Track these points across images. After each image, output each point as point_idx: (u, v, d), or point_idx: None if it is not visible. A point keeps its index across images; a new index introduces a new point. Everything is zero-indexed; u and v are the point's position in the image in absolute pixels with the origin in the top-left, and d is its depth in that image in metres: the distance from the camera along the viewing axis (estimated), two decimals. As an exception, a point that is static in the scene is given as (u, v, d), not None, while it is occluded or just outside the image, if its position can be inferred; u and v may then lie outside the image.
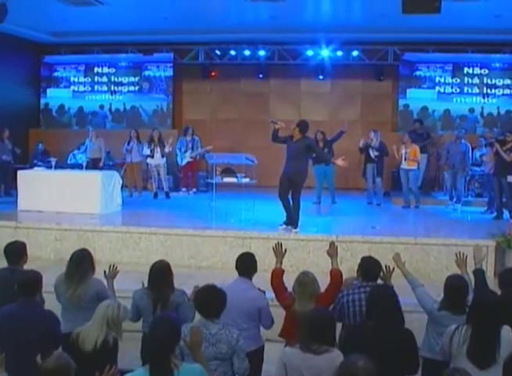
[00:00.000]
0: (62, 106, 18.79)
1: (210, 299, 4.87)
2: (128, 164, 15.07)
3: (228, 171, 12.99)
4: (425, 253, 9.41)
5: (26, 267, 6.26)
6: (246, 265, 5.93)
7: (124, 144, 15.10)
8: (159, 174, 14.91)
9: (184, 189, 15.73)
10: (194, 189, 15.72)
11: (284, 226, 10.30)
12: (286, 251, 6.28)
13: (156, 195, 14.88)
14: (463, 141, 13.66)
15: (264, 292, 5.93)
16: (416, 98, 17.01)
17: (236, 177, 11.28)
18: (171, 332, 4.20)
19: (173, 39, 16.89)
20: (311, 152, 10.51)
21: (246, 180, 11.29)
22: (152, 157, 14.84)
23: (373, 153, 13.75)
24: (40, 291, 5.34)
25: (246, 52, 16.93)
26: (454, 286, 5.29)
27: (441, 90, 16.96)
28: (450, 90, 16.96)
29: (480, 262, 5.94)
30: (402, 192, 13.67)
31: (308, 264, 9.34)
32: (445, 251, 9.29)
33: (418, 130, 15.34)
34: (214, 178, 11.24)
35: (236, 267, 5.94)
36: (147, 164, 15.14)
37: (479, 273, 5.78)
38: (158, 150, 14.76)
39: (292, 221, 10.21)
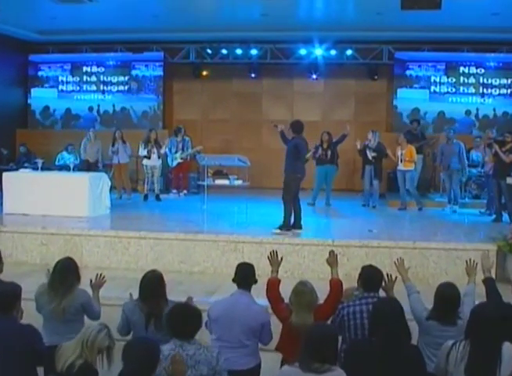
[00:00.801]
0: (46, 108, 18.46)
1: (186, 319, 4.48)
2: (116, 165, 14.70)
3: (220, 172, 12.74)
4: (424, 257, 9.13)
5: (9, 274, 5.99)
6: (246, 275, 5.56)
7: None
8: (153, 175, 14.57)
9: (174, 190, 15.43)
10: (185, 191, 15.45)
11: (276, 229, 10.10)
12: (282, 259, 5.93)
13: (146, 197, 14.55)
14: (455, 141, 13.37)
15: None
16: (407, 98, 16.82)
17: (229, 179, 10.99)
18: (148, 359, 3.88)
19: (163, 38, 16.66)
20: (298, 151, 10.20)
21: (239, 182, 11.04)
22: (148, 158, 14.48)
23: (370, 154, 13.48)
24: (18, 305, 4.95)
25: (238, 51, 16.75)
26: (445, 295, 5.00)
27: (436, 90, 16.77)
28: (445, 90, 16.76)
29: (488, 270, 5.63)
30: (400, 194, 13.44)
31: (304, 269, 9.15)
32: (445, 255, 9.06)
33: (414, 130, 15.13)
34: (206, 181, 10.94)
35: (235, 278, 5.59)
36: (143, 166, 14.78)
37: (490, 282, 5.46)
38: (155, 150, 14.44)
39: (282, 222, 10.10)
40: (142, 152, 14.50)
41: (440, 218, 12.37)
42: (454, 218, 12.47)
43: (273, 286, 5.61)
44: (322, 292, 7.76)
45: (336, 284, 5.53)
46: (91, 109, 18.11)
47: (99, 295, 5.77)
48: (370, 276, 5.36)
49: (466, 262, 5.68)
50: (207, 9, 13.91)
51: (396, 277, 5.61)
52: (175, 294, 7.85)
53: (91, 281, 5.77)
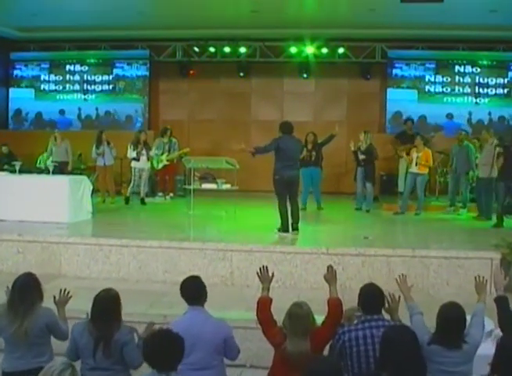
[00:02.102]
0: (18, 111, 17.92)
1: (167, 349, 4.01)
2: (101, 167, 14.12)
3: (207, 176, 12.26)
4: (424, 266, 8.61)
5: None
6: (195, 291, 5.09)
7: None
8: (140, 178, 14.07)
9: (160, 193, 14.97)
10: (171, 194, 14.98)
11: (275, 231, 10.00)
12: (273, 275, 5.38)
13: (127, 200, 14.02)
14: (465, 143, 13.01)
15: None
16: (398, 98, 16.51)
17: (216, 183, 10.49)
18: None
19: (149, 35, 16.34)
20: (277, 151, 9.93)
21: (227, 186, 10.58)
22: (138, 160, 13.98)
23: (360, 157, 13.10)
24: None
25: (227, 49, 16.46)
26: (449, 317, 4.46)
27: (430, 89, 16.44)
28: (439, 89, 16.44)
29: (500, 288, 5.09)
30: (402, 197, 13.06)
31: (296, 279, 8.65)
32: (446, 264, 8.56)
33: (409, 130, 14.80)
34: (192, 185, 10.40)
35: (183, 295, 5.11)
36: (131, 168, 14.22)
37: (502, 302, 4.92)
38: (144, 152, 13.97)
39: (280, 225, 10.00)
40: (132, 154, 13.99)
41: (439, 223, 11.91)
42: (453, 222, 12.04)
43: (264, 306, 5.05)
44: (316, 303, 7.25)
45: (335, 304, 4.97)
46: (62, 112, 17.54)
47: (65, 313, 5.27)
48: (371, 297, 4.83)
49: (476, 278, 5.14)
50: (195, 5, 13.46)
51: (400, 297, 5.07)
52: (158, 307, 7.57)
53: (54, 298, 5.26)
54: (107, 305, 4.86)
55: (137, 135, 14.23)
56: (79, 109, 17.57)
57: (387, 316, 4.95)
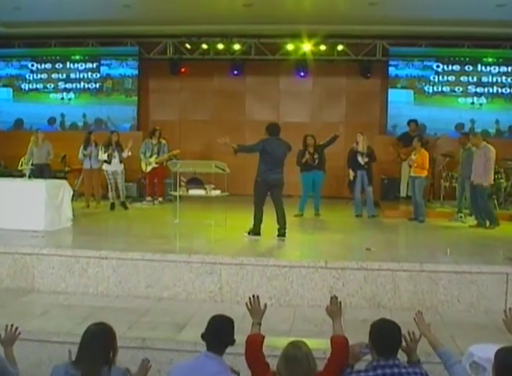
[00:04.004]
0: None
1: None
2: (87, 170, 13.53)
3: (195, 180, 11.58)
4: (432, 282, 7.88)
5: None
6: (220, 332, 4.26)
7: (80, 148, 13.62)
8: (115, 181, 13.43)
9: (149, 198, 14.36)
10: (160, 199, 14.36)
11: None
12: (266, 307, 4.58)
13: (113, 206, 13.39)
14: (467, 145, 12.43)
15: (238, 374, 4.25)
16: (396, 99, 16.02)
17: (205, 189, 9.77)
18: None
19: (138, 31, 15.85)
20: (261, 153, 9.80)
21: (217, 193, 9.90)
22: (109, 162, 13.33)
23: (362, 160, 12.60)
24: None
25: (220, 46, 16.13)
26: (507, 363, 3.69)
27: (434, 89, 15.88)
28: (441, 89, 15.91)
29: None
30: (412, 202, 12.52)
31: (292, 295, 7.95)
32: (456, 279, 7.84)
33: (412, 132, 14.25)
34: (178, 191, 9.67)
35: (204, 334, 4.28)
36: (102, 171, 13.60)
37: None
38: (116, 154, 13.32)
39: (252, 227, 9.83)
40: (102, 156, 13.33)
41: (445, 232, 11.23)
42: (460, 231, 11.36)
43: (254, 346, 4.24)
44: (314, 323, 6.59)
45: (339, 344, 4.16)
46: (52, 121, 16.78)
47: (13, 353, 4.49)
48: (386, 336, 4.04)
49: (505, 312, 4.37)
50: (186, -1, 13.01)
51: (420, 336, 4.28)
52: (138, 329, 6.78)
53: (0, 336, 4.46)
54: (95, 341, 4.06)
55: (109, 135, 13.57)
56: (62, 117, 16.91)
57: (401, 355, 4.14)
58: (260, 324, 4.48)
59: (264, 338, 4.37)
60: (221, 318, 4.40)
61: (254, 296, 4.59)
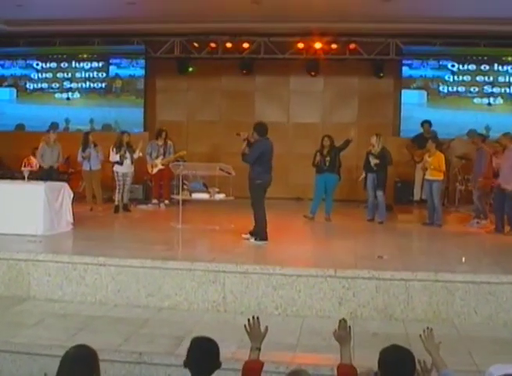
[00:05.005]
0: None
1: None
2: (87, 172, 13.22)
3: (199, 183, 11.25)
4: (448, 293, 7.52)
5: None
6: (204, 357, 3.85)
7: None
8: (124, 183, 13.20)
9: (155, 200, 14.00)
10: (166, 201, 14.00)
11: (248, 236, 9.68)
12: (267, 329, 4.17)
13: (117, 209, 13.13)
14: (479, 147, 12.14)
15: None
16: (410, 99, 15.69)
17: (209, 192, 9.44)
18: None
19: (144, 29, 15.48)
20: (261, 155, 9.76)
21: (221, 197, 9.62)
22: (121, 164, 13.12)
23: (372, 162, 12.21)
24: None
25: (228, 45, 15.87)
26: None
27: (449, 89, 15.49)
28: (456, 89, 15.53)
29: None
30: (428, 207, 12.10)
31: (299, 306, 7.63)
32: (474, 290, 7.47)
33: (426, 134, 13.93)
34: (181, 194, 9.33)
35: (188, 363, 3.87)
36: (113, 172, 13.36)
37: None
38: (127, 155, 13.12)
39: (253, 231, 9.70)
40: (115, 157, 13.13)
41: (462, 238, 10.82)
42: (480, 238, 10.96)
43: (252, 373, 3.82)
44: (322, 337, 6.48)
45: (346, 373, 3.72)
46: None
47: None
48: (397, 366, 3.57)
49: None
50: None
51: (432, 365, 3.88)
52: (135, 341, 6.47)
53: None
54: (78, 367, 3.59)
55: (119, 136, 13.38)
56: (67, 121, 16.64)
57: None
58: (259, 349, 4.06)
59: (263, 364, 3.96)
60: (205, 340, 4.02)
61: (253, 317, 4.18)
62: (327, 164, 12.28)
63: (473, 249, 9.91)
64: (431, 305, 7.38)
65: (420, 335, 4.04)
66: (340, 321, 4.10)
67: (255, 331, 4.10)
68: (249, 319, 4.19)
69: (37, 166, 13.72)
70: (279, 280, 7.69)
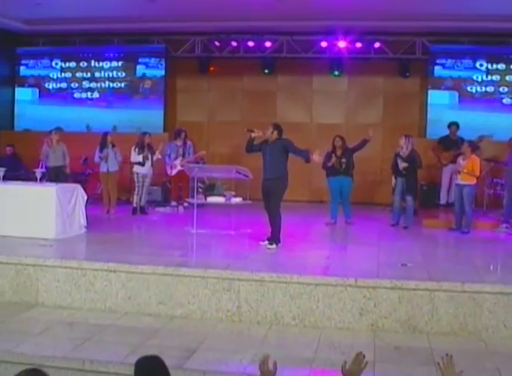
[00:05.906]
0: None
1: None
2: (104, 174, 12.97)
3: (212, 187, 10.94)
4: (476, 304, 7.13)
5: None
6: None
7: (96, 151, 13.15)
8: (143, 185, 13.05)
9: (174, 203, 13.75)
10: (186, 204, 13.57)
11: (266, 243, 9.37)
12: (276, 367, 3.76)
13: (135, 211, 12.97)
14: None
15: None
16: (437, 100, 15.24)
17: (225, 196, 9.14)
18: None
19: (164, 28, 15.49)
20: (287, 153, 9.59)
21: (237, 200, 9.34)
22: (143, 165, 12.99)
23: (401, 165, 11.76)
24: None
25: (250, 44, 15.75)
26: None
27: (477, 89, 15.04)
28: (484, 89, 15.07)
29: None
30: (455, 212, 11.68)
31: (317, 316, 7.30)
32: (503, 301, 7.08)
33: (452, 136, 13.54)
34: (195, 198, 9.03)
35: None
36: (133, 173, 13.23)
37: None
38: (149, 157, 13.00)
39: (272, 237, 9.37)
40: (137, 158, 12.98)
41: (492, 246, 10.35)
42: (510, 245, 10.54)
43: None
44: (341, 350, 6.22)
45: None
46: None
47: None
48: None
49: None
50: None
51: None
52: (142, 354, 5.98)
53: None
54: None
55: (141, 137, 13.18)
56: (88, 127, 16.50)
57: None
58: None
59: None
60: (150, 359, 3.80)
61: (265, 356, 3.78)
62: (343, 166, 11.94)
63: (502, 257, 9.50)
64: (457, 317, 7.02)
65: (438, 363, 3.64)
66: (357, 355, 3.67)
67: (265, 372, 3.70)
68: (263, 359, 3.77)
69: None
70: (297, 289, 7.37)
